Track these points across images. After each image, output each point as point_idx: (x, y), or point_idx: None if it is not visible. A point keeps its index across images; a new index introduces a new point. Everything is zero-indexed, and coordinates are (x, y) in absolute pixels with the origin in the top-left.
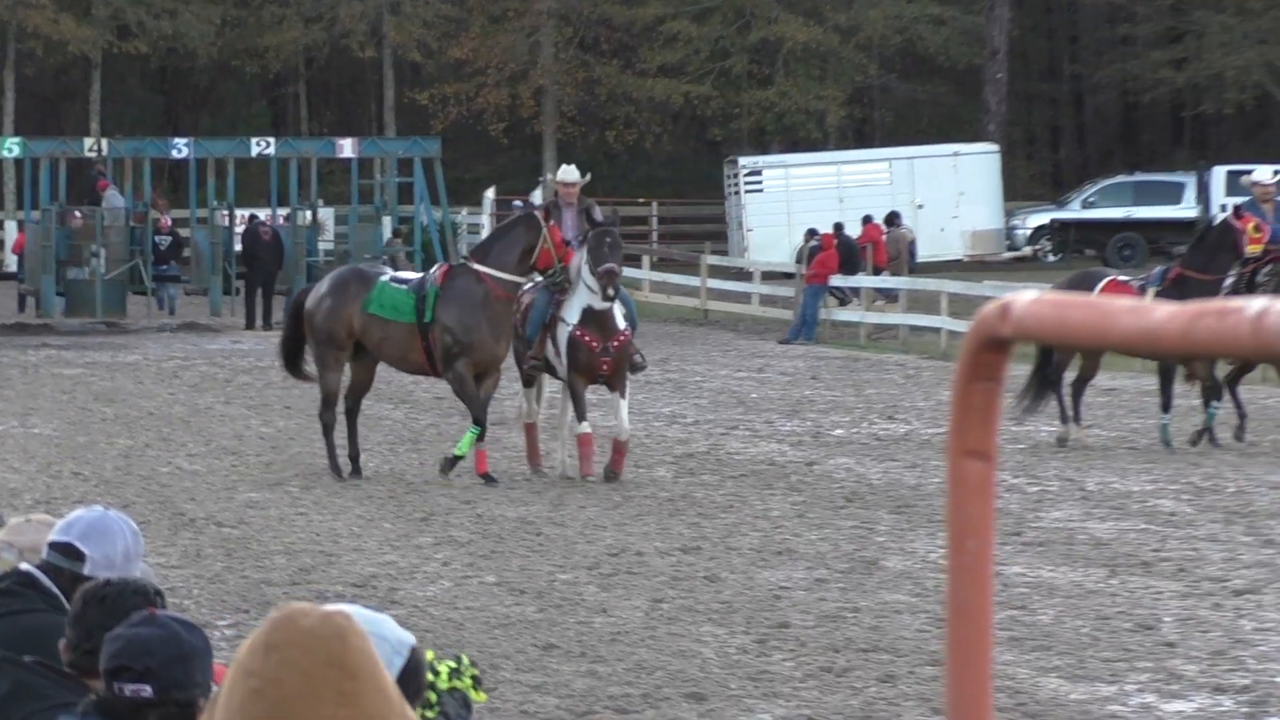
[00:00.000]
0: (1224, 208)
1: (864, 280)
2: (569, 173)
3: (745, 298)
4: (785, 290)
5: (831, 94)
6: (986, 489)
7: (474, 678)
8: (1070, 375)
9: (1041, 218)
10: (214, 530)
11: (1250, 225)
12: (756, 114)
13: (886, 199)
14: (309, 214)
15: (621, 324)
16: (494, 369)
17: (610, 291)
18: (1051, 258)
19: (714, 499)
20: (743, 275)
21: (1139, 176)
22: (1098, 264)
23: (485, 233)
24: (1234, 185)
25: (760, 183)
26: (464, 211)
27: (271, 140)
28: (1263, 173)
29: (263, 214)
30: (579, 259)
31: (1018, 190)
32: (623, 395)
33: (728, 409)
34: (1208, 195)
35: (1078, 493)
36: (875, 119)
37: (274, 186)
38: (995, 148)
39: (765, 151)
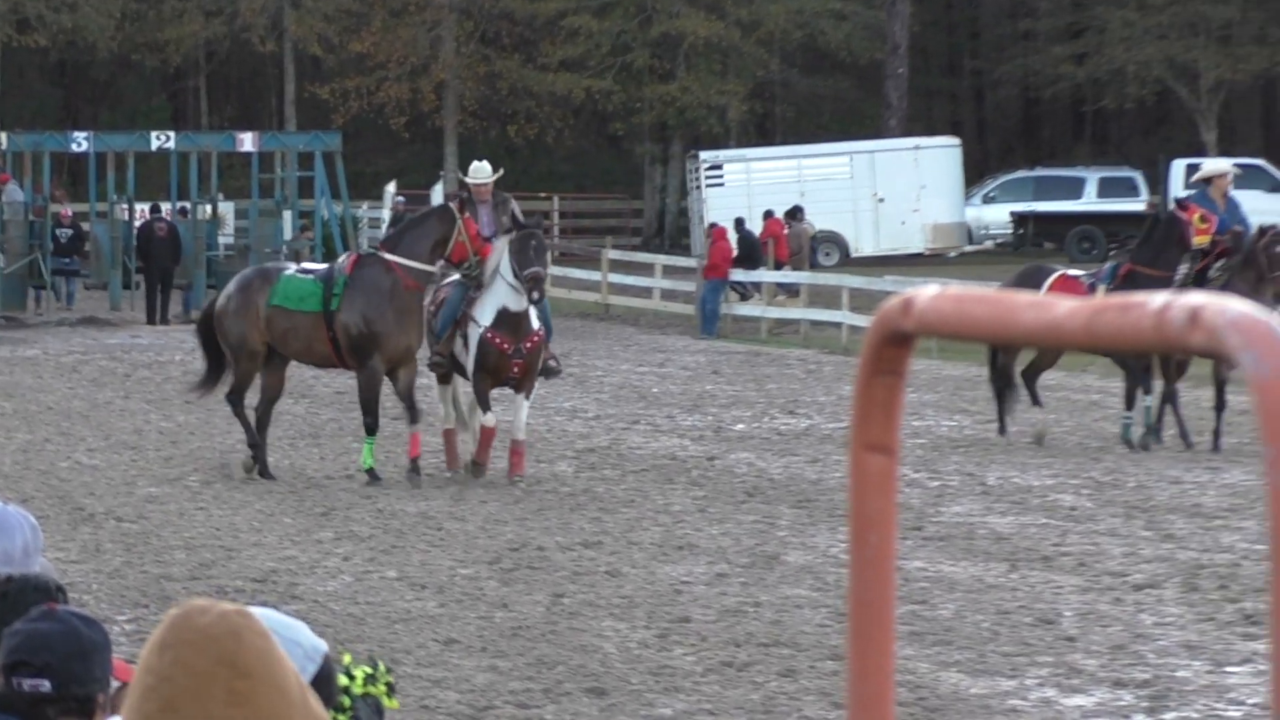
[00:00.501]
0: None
1: (765, 275)
2: (481, 170)
3: (647, 292)
4: (687, 285)
5: (733, 89)
6: (888, 484)
7: (389, 684)
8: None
9: None
10: (113, 525)
11: (1195, 216)
12: (658, 109)
13: (848, 192)
14: (209, 208)
15: (535, 325)
16: (407, 360)
17: (535, 295)
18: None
19: (615, 494)
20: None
21: (1040, 171)
22: (1059, 258)
23: (385, 227)
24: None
25: (721, 177)
26: (365, 206)
27: (172, 134)
28: (1215, 165)
29: (165, 207)
30: (498, 259)
31: None
32: (527, 397)
33: (629, 404)
34: (1166, 189)
35: (978, 487)
36: (777, 114)
37: (174, 180)
38: (956, 141)
39: (666, 146)
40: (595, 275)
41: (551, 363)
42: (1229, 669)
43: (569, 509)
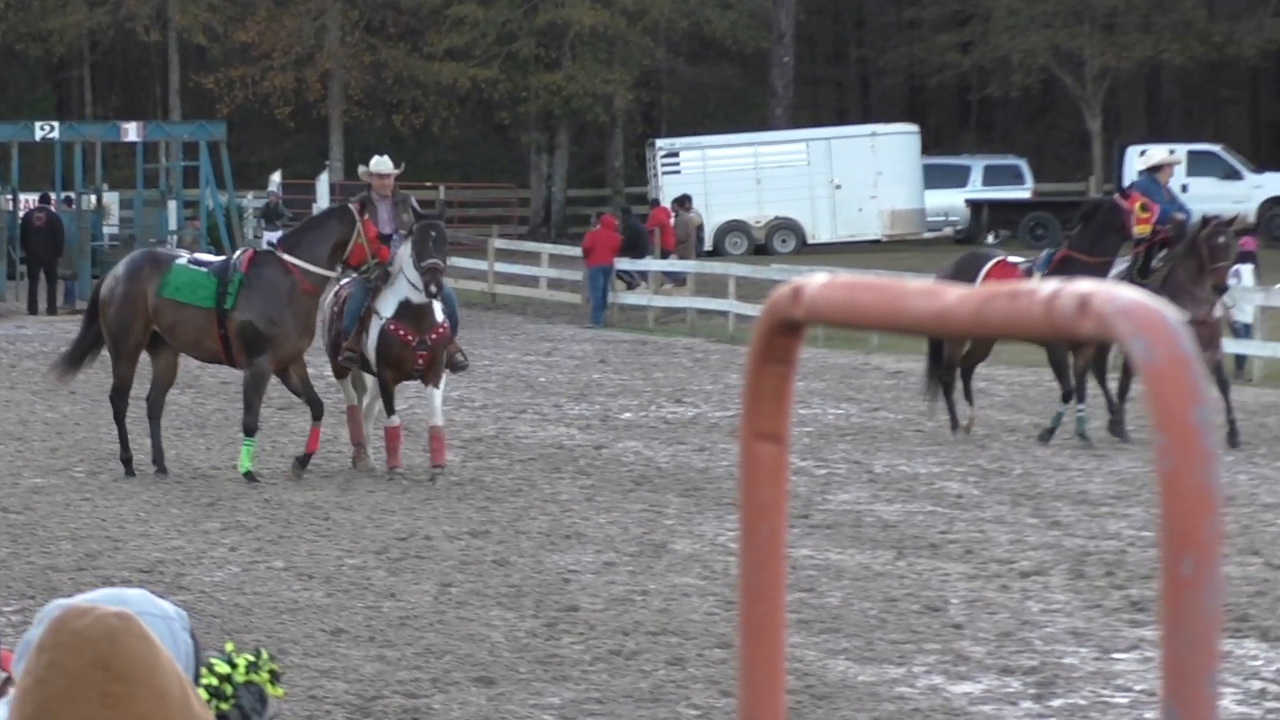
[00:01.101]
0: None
1: (651, 264)
2: (383, 164)
3: (534, 281)
4: (574, 274)
5: (619, 78)
6: (779, 472)
7: (272, 672)
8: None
9: None
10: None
11: (1137, 205)
12: (544, 98)
13: (804, 179)
14: (94, 198)
15: (439, 317)
16: (297, 361)
17: (433, 288)
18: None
19: (502, 483)
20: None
21: (926, 160)
22: (1014, 244)
23: (258, 220)
24: None
25: (677, 165)
26: (250, 195)
27: (56, 124)
28: (1158, 152)
29: (53, 198)
30: (401, 251)
31: None
32: (436, 386)
33: (516, 393)
34: (1120, 175)
35: (865, 475)
36: (663, 103)
37: (59, 171)
38: (914, 128)
39: (553, 135)
40: (482, 264)
41: (459, 357)
42: (1116, 655)
43: (456, 498)
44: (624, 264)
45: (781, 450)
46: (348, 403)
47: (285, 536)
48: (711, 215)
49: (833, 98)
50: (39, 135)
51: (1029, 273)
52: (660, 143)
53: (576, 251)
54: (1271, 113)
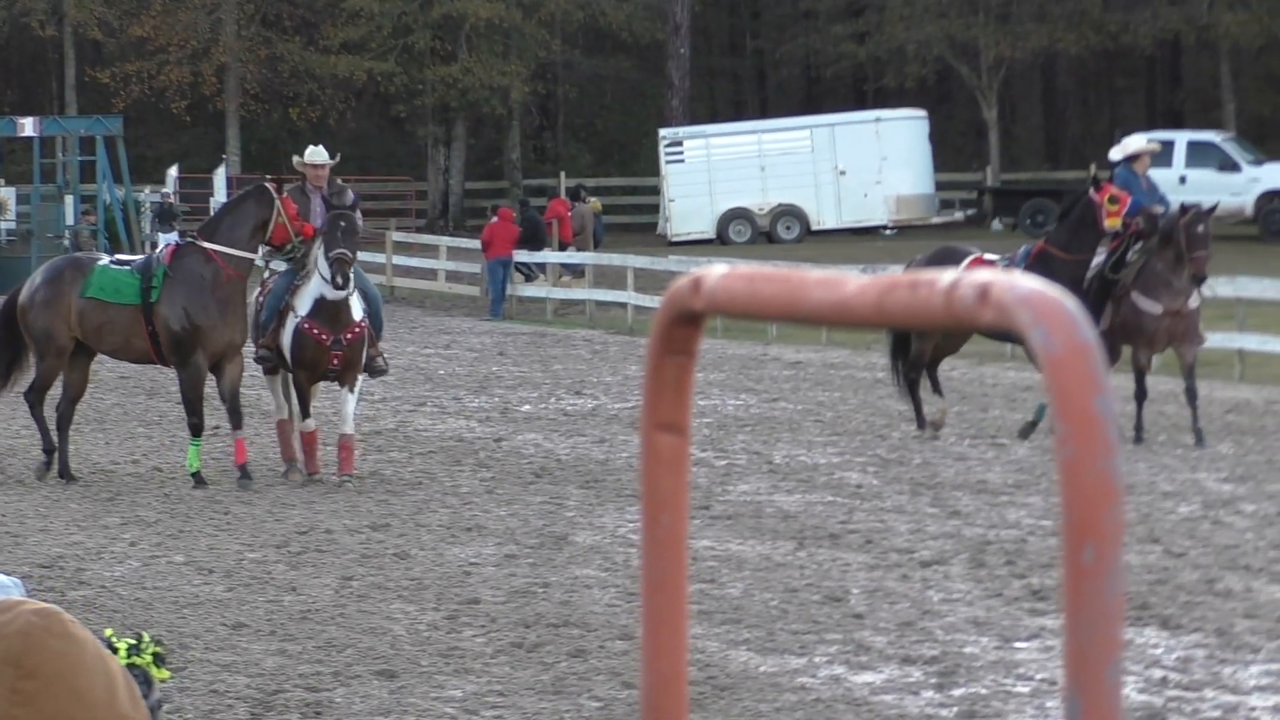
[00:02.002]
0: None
1: (550, 256)
2: (317, 154)
3: (432, 274)
4: (471, 266)
5: (515, 70)
6: (680, 463)
7: (155, 654)
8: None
9: None
10: None
11: (1105, 198)
12: (440, 90)
13: (808, 166)
14: None
15: (358, 315)
16: (232, 356)
17: (339, 280)
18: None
19: (402, 476)
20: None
21: None
22: (1017, 231)
23: (151, 220)
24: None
25: (681, 153)
26: (148, 190)
27: None
28: (1135, 141)
29: None
30: (316, 246)
31: None
32: (351, 390)
33: (415, 385)
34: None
35: (765, 466)
36: (559, 95)
37: None
38: (922, 113)
39: (449, 128)
40: (380, 257)
41: (379, 361)
42: (1017, 644)
43: (356, 491)
44: (522, 256)
45: (682, 441)
46: (277, 415)
47: (185, 531)
48: (716, 203)
49: (730, 89)
50: None
51: (1007, 268)
52: (664, 132)
53: (475, 244)
54: (1166, 102)
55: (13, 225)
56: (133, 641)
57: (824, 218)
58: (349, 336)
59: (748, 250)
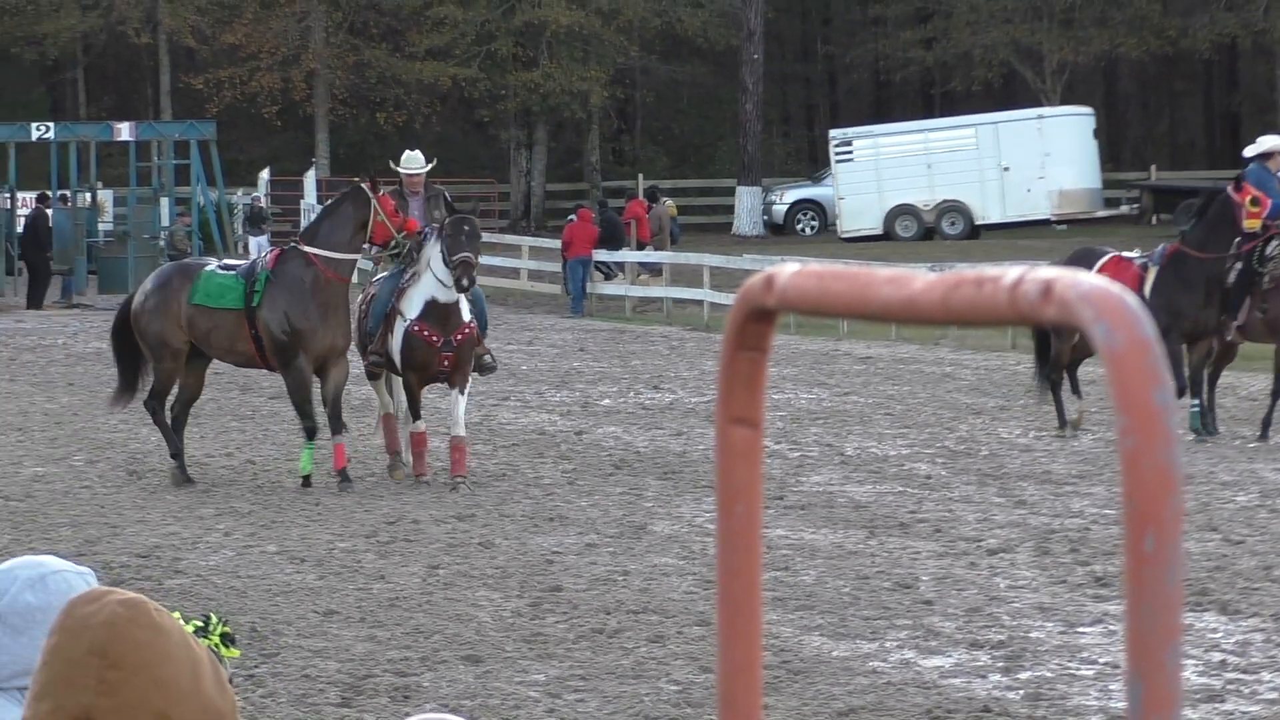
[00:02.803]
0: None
1: (628, 255)
2: (414, 159)
3: (514, 273)
4: (553, 265)
5: (594, 75)
6: (753, 455)
7: (224, 635)
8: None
9: (797, 193)
10: (1, 504)
11: (1248, 199)
12: (522, 95)
13: (974, 163)
14: (89, 196)
15: (467, 317)
16: (336, 359)
17: (465, 282)
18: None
19: (487, 468)
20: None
21: None
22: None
23: (243, 222)
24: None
25: (850, 153)
26: (240, 192)
27: (51, 125)
28: (1269, 139)
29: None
30: (430, 248)
31: (775, 167)
32: (462, 392)
33: (499, 381)
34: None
35: (837, 458)
36: (637, 99)
37: (54, 170)
38: (1088, 111)
39: (531, 131)
40: None
41: (487, 358)
42: (1081, 629)
43: (442, 483)
44: (602, 255)
45: (756, 434)
46: (381, 410)
47: (278, 522)
48: (884, 200)
49: (801, 93)
50: (35, 136)
51: (1144, 268)
52: (834, 132)
53: (556, 244)
54: (1224, 105)
55: (110, 227)
56: (200, 623)
57: (988, 213)
58: (459, 337)
59: (912, 247)
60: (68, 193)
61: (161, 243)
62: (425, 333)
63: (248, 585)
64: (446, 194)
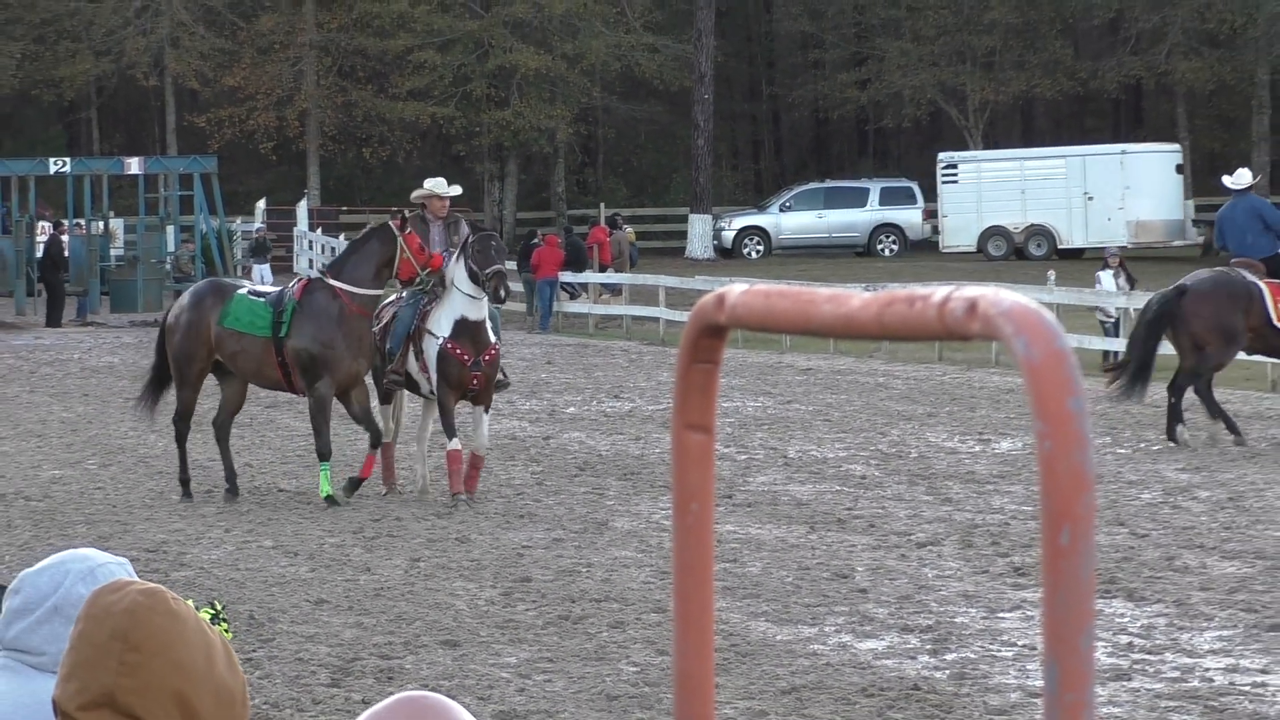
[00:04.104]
0: None
1: (591, 276)
2: (440, 184)
3: None
4: (519, 287)
5: (560, 114)
6: (706, 458)
7: (225, 624)
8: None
9: (744, 220)
10: (22, 504)
11: None
12: (495, 132)
13: (1061, 191)
14: (102, 224)
15: (493, 338)
16: (357, 384)
17: (502, 293)
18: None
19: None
20: None
21: (829, 183)
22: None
23: (245, 253)
24: None
25: (955, 175)
26: (239, 221)
27: (68, 160)
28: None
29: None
30: (453, 268)
31: (724, 197)
32: (487, 410)
33: None
34: None
35: (781, 460)
36: (599, 136)
37: (70, 200)
38: (1173, 147)
39: (503, 165)
40: None
41: (499, 377)
42: (1001, 615)
43: (478, 511)
44: (567, 277)
45: (709, 439)
46: (385, 437)
47: (273, 519)
48: (982, 220)
49: (748, 130)
50: (53, 170)
51: None
52: (942, 156)
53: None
54: (1130, 139)
55: (121, 252)
56: (211, 612)
57: (1072, 238)
58: (487, 358)
59: (848, 267)
60: (82, 221)
61: (168, 266)
62: (459, 351)
63: (246, 577)
64: (463, 220)
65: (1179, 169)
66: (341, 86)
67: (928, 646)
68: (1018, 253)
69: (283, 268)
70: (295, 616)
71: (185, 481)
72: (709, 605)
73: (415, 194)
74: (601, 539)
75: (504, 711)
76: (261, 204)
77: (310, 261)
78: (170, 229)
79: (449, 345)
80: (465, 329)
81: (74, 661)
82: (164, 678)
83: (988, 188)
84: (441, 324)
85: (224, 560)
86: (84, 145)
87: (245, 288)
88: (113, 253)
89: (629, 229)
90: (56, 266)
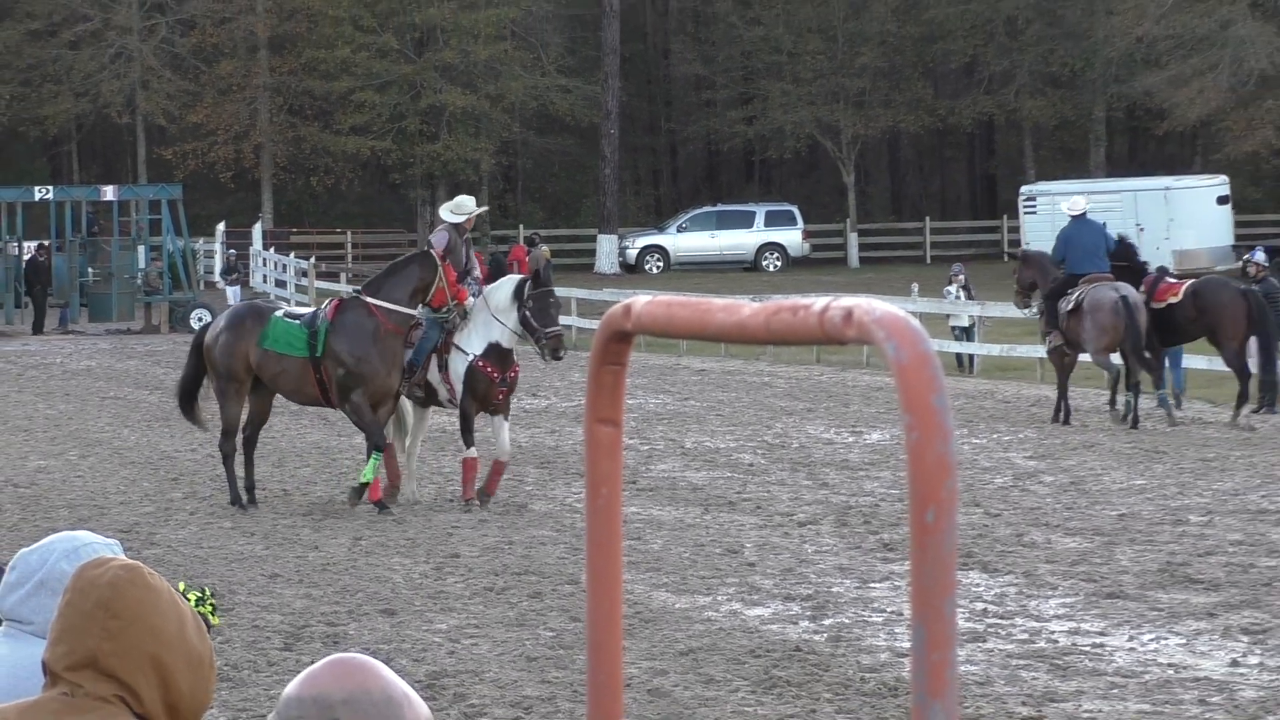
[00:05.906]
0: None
1: None
2: (469, 203)
3: None
4: None
5: (484, 147)
6: (615, 449)
7: (213, 606)
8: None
9: (646, 240)
10: (11, 490)
11: None
12: (426, 163)
13: (1119, 221)
14: (80, 244)
15: (515, 358)
16: (386, 400)
17: (560, 354)
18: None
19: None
20: None
21: (720, 207)
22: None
23: (219, 257)
24: None
25: (1035, 207)
26: (201, 241)
27: (51, 188)
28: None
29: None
30: (492, 297)
31: (628, 219)
32: (505, 419)
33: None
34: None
35: (678, 450)
36: (519, 165)
37: (53, 224)
38: (1218, 179)
39: (434, 191)
40: None
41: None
42: (873, 585)
43: (491, 515)
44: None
45: (617, 432)
46: (390, 438)
47: (233, 505)
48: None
49: (649, 160)
50: (38, 197)
51: None
52: (1024, 189)
53: None
54: (984, 168)
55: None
56: (199, 594)
57: None
58: (511, 375)
59: (738, 280)
60: (61, 240)
61: (139, 281)
62: (488, 369)
63: (208, 554)
64: (545, 256)
65: (1220, 200)
66: (292, 123)
67: (808, 613)
68: None
69: (238, 282)
70: (252, 589)
71: (237, 500)
72: (617, 578)
73: (455, 214)
74: (522, 520)
75: (435, 671)
76: (221, 226)
77: (265, 277)
78: (141, 249)
79: (479, 363)
80: (496, 351)
81: (62, 627)
82: (141, 643)
83: (1062, 217)
84: (473, 343)
85: (189, 540)
86: (65, 175)
87: (281, 310)
88: (90, 270)
89: (545, 247)
90: (38, 281)
